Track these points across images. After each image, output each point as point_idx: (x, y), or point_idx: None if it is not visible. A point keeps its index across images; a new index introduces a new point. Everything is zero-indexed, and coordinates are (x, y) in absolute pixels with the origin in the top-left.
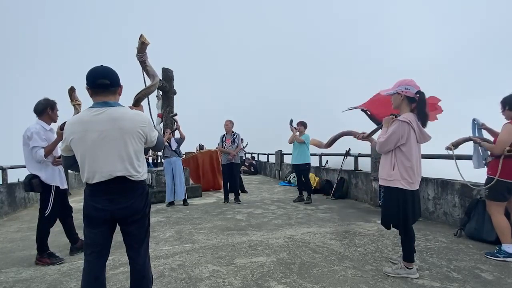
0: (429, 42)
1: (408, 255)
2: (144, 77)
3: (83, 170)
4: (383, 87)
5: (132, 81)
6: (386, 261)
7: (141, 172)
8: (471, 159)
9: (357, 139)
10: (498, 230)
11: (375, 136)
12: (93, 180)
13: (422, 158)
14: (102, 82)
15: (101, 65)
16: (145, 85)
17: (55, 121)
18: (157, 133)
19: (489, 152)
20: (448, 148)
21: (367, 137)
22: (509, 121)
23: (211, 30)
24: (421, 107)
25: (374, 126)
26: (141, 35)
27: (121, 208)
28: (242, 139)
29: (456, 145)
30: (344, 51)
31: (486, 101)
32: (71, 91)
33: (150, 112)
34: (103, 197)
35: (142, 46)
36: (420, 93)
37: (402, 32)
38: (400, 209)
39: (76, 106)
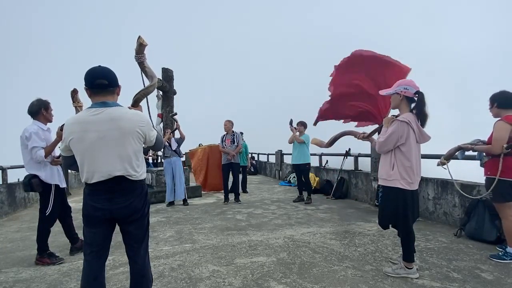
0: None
1: (408, 255)
2: (142, 78)
3: (82, 170)
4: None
5: (131, 81)
6: (386, 261)
7: (140, 171)
8: (472, 159)
9: (358, 139)
10: (509, 233)
11: (375, 136)
12: (92, 180)
13: (422, 158)
14: (101, 82)
15: (99, 66)
16: (144, 86)
17: (50, 121)
18: (156, 133)
19: (484, 153)
20: (441, 164)
21: (367, 137)
22: (499, 118)
23: (212, 29)
24: (420, 107)
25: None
26: (139, 37)
27: (120, 207)
28: (241, 133)
29: (448, 158)
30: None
31: None
32: (74, 93)
33: (149, 113)
34: (102, 196)
35: (140, 47)
36: (419, 93)
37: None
38: (400, 209)
39: (78, 107)
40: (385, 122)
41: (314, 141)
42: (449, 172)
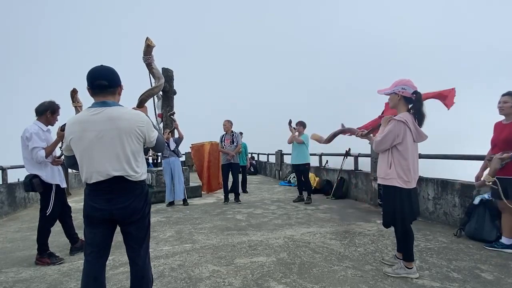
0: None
1: (408, 255)
2: (150, 79)
3: (82, 170)
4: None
5: (136, 81)
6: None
7: (139, 172)
8: (472, 159)
9: (356, 136)
10: (507, 226)
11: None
12: (91, 180)
13: (423, 158)
14: (100, 83)
15: (101, 65)
16: (151, 86)
17: (52, 125)
18: (156, 133)
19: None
20: (490, 182)
21: (365, 135)
22: None
23: (212, 29)
24: (418, 106)
25: None
26: (147, 38)
27: (120, 208)
28: (241, 133)
29: (493, 175)
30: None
31: None
32: (74, 92)
33: (155, 113)
34: (102, 197)
35: (148, 48)
36: (417, 93)
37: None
38: (397, 208)
39: (78, 107)
40: (383, 122)
41: (313, 137)
42: (500, 191)
